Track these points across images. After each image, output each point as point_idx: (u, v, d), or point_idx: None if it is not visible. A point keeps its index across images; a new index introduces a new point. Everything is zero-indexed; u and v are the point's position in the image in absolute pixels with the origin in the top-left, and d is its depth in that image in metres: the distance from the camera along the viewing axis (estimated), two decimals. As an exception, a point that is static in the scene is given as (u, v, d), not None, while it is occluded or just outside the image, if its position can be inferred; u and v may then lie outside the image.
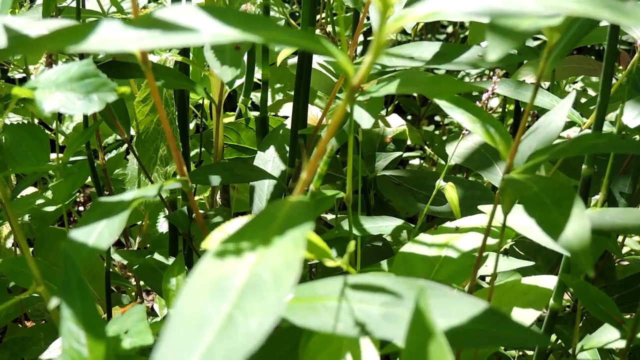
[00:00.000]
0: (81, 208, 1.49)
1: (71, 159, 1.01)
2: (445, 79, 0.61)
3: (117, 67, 0.69)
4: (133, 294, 1.10)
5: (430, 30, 2.11)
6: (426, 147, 1.18)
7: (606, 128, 0.76)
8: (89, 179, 0.85)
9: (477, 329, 0.39)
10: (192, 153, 1.06)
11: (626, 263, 1.11)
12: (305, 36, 0.39)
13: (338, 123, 0.40)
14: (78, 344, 0.41)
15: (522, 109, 1.14)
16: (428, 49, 0.63)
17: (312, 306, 0.43)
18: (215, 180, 0.72)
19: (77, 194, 1.38)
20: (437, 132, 1.52)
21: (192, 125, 1.28)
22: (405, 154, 1.29)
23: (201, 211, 0.94)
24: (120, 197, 0.51)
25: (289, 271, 0.33)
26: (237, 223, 0.50)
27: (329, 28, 1.06)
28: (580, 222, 0.45)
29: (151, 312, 1.03)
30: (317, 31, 1.03)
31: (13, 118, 1.19)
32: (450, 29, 2.14)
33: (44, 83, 0.51)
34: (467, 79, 1.57)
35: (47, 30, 0.36)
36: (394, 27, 0.37)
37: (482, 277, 0.89)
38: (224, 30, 0.36)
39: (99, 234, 0.48)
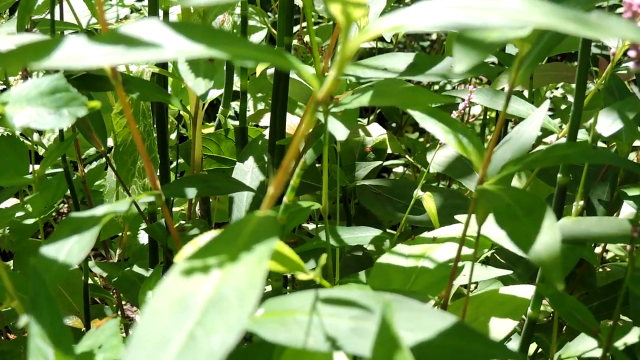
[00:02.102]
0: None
1: (51, 171, 1.01)
2: (420, 91, 0.61)
3: (91, 79, 0.69)
4: (115, 305, 1.10)
5: (414, 37, 2.11)
6: (407, 156, 1.18)
7: (583, 136, 0.77)
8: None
9: (446, 344, 0.39)
10: (174, 164, 1.06)
11: (609, 269, 1.12)
12: (271, 51, 0.39)
13: (302, 136, 0.40)
14: (43, 357, 0.41)
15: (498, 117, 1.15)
16: (401, 60, 0.63)
17: (283, 320, 0.43)
18: (192, 192, 0.72)
19: (61, 205, 1.37)
20: (421, 140, 1.52)
21: (174, 136, 1.28)
22: (389, 162, 1.29)
23: (182, 222, 0.94)
24: (92, 212, 0.51)
25: (252, 288, 0.33)
26: (209, 236, 0.50)
27: (307, 38, 1.06)
28: (551, 234, 0.46)
29: (133, 324, 1.02)
30: (295, 41, 1.03)
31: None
32: (434, 36, 2.14)
33: (15, 97, 0.51)
34: (449, 87, 1.57)
35: (15, 46, 0.36)
36: (358, 42, 0.37)
37: (464, 287, 0.89)
38: (189, 46, 0.36)
39: (69, 250, 0.48)
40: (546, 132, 0.90)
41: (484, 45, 0.40)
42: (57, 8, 0.81)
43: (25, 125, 0.49)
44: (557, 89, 1.47)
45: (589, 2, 0.45)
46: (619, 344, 0.63)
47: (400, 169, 1.44)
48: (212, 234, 0.50)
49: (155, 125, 0.87)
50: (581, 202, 0.73)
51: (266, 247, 0.36)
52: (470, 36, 0.41)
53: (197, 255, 0.36)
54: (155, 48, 0.36)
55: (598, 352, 0.64)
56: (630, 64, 0.46)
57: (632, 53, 0.45)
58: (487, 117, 1.30)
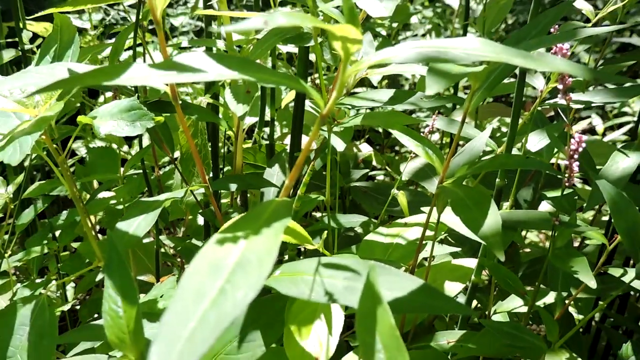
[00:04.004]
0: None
1: (136, 172, 0.98)
2: (398, 114, 0.57)
3: (162, 104, 0.66)
4: (178, 267, 1.07)
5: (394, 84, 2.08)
6: (387, 167, 1.15)
7: (514, 152, 0.73)
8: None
9: (415, 300, 0.36)
10: (224, 169, 1.03)
11: (528, 250, 1.08)
12: (288, 77, 0.35)
13: (311, 142, 0.36)
14: (116, 306, 0.38)
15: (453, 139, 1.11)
16: (385, 94, 0.60)
17: (294, 279, 0.40)
18: (233, 187, 0.68)
19: (141, 196, 1.34)
20: (396, 157, 1.49)
21: (225, 149, 1.24)
22: (373, 172, 1.26)
23: (230, 210, 0.91)
24: (156, 198, 0.47)
25: (270, 255, 0.29)
26: (239, 216, 0.47)
27: (318, 81, 1.03)
28: (494, 219, 0.42)
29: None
30: (309, 84, 1.00)
31: (99, 143, 1.16)
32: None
33: (102, 113, 0.48)
34: (421, 114, 1.53)
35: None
36: (354, 69, 0.34)
37: (425, 259, 0.86)
38: (226, 71, 0.33)
39: (137, 225, 0.45)
40: (485, 153, 0.88)
41: (449, 76, 0.37)
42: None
43: (108, 133, 0.45)
44: (492, 122, 1.43)
45: (532, 48, 0.41)
46: (540, 303, 0.60)
47: (381, 177, 1.42)
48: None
49: (209, 141, 0.84)
50: (511, 202, 0.70)
51: (281, 224, 0.32)
52: (438, 68, 0.37)
53: (229, 229, 0.32)
54: (200, 72, 0.32)
55: (524, 309, 0.60)
56: (559, 95, 0.42)
57: (560, 86, 0.41)
58: (443, 142, 1.27)
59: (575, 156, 0.43)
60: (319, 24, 0.29)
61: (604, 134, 1.52)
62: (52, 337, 0.48)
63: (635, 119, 1.51)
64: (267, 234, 0.31)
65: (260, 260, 0.29)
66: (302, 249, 0.88)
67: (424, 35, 1.38)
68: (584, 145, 0.43)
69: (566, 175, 0.45)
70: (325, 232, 0.47)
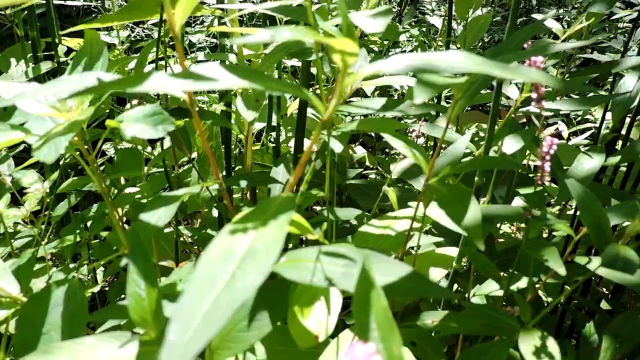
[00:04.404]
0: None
1: (158, 170, 0.97)
2: (389, 121, 0.56)
3: (182, 111, 0.65)
4: (195, 254, 1.06)
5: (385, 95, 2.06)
6: (379, 167, 1.14)
7: (492, 154, 0.73)
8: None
9: (404, 285, 0.35)
10: (236, 168, 1.02)
11: (502, 240, 1.08)
12: (293, 86, 0.34)
13: (313, 143, 0.35)
14: (139, 289, 0.37)
15: (437, 142, 1.11)
16: (378, 103, 0.59)
17: (297, 266, 0.39)
18: (244, 183, 0.68)
19: (162, 191, 1.33)
20: (386, 159, 1.48)
21: (237, 151, 1.24)
22: (366, 171, 1.25)
23: (241, 204, 0.90)
24: (174, 192, 0.46)
25: (276, 244, 0.29)
26: (248, 210, 0.46)
27: (319, 92, 1.03)
28: (475, 213, 0.41)
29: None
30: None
31: (125, 145, 1.15)
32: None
33: (127, 117, 0.47)
34: (409, 121, 1.53)
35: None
36: (351, 80, 0.33)
37: (413, 248, 0.85)
38: (237, 80, 0.32)
39: (158, 217, 0.44)
40: (465, 154, 0.87)
41: (434, 86, 0.36)
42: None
43: (133, 135, 0.44)
44: (471, 127, 1.42)
45: (509, 61, 0.40)
46: (513, 287, 0.59)
47: (373, 175, 1.41)
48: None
49: (223, 143, 0.83)
50: (488, 198, 0.69)
51: (286, 217, 0.32)
52: (425, 79, 0.37)
53: (239, 221, 0.32)
54: (214, 81, 0.32)
55: (500, 293, 0.60)
56: (532, 104, 0.41)
57: (533, 95, 0.41)
58: (428, 145, 1.26)
59: (547, 157, 0.42)
60: (320, 39, 0.28)
61: (568, 139, 1.51)
62: (83, 316, 0.47)
63: (597, 125, 1.51)
64: (274, 226, 0.31)
65: (267, 249, 0.29)
66: (304, 239, 0.87)
67: (411, 51, 1.38)
68: (555, 147, 0.42)
69: (539, 174, 0.44)
70: (325, 223, 0.46)
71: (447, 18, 0.91)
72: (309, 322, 0.43)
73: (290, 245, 0.70)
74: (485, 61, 0.31)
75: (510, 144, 0.59)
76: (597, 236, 0.43)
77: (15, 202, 0.85)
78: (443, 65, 0.31)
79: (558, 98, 0.81)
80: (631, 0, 1.98)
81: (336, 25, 0.55)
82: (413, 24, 1.60)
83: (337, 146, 0.57)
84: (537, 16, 0.76)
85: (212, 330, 0.24)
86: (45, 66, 0.88)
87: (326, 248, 0.40)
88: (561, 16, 2.12)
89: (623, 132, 0.80)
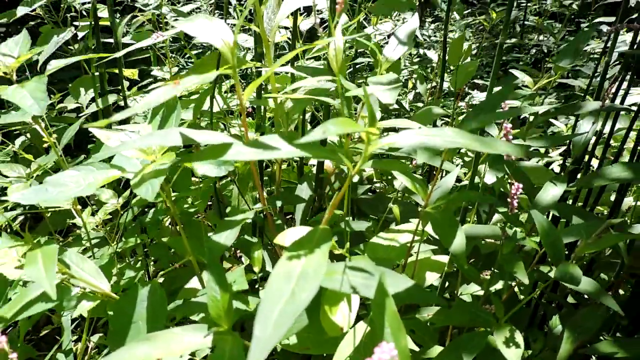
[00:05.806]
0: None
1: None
2: (396, 162, 0.64)
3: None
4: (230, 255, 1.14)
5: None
6: (383, 181, 1.22)
7: (477, 180, 0.80)
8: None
9: (407, 294, 0.43)
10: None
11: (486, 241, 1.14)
12: (330, 152, 0.42)
13: (339, 199, 0.44)
14: (215, 293, 0.45)
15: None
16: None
17: (330, 278, 0.46)
18: (279, 203, 0.76)
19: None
20: (389, 177, 1.54)
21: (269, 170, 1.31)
22: (373, 184, 1.32)
23: (275, 217, 0.97)
24: (234, 218, 0.55)
25: (320, 268, 0.37)
26: (290, 231, 0.54)
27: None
28: (460, 239, 0.49)
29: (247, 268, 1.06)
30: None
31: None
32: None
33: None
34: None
35: (202, 141, 0.40)
36: (372, 147, 0.41)
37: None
38: (291, 149, 0.40)
39: (226, 237, 0.52)
40: (458, 180, 0.94)
41: (433, 151, 0.44)
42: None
43: (203, 173, 0.53)
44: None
45: (487, 121, 0.48)
46: (492, 288, 0.67)
47: (379, 184, 1.47)
48: (292, 229, 0.54)
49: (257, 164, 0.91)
50: (473, 215, 0.76)
51: (326, 245, 0.39)
52: (428, 147, 0.45)
53: (293, 248, 0.40)
54: (276, 150, 0.40)
55: (481, 292, 0.67)
56: (505, 156, 0.49)
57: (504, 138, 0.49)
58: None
59: (515, 197, 0.50)
60: (357, 129, 0.36)
61: (546, 152, 1.58)
62: (163, 309, 0.56)
63: (567, 141, 1.57)
64: (318, 253, 0.39)
65: (315, 272, 0.37)
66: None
67: (413, 85, 1.44)
68: (520, 191, 0.50)
69: (509, 207, 0.52)
70: (347, 244, 0.55)
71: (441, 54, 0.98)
72: (336, 317, 0.51)
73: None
74: (469, 136, 0.40)
75: (490, 177, 0.67)
76: (553, 256, 0.51)
77: (83, 205, 0.93)
78: (439, 141, 0.39)
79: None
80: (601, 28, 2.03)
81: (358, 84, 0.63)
82: (414, 60, 1.66)
83: (355, 177, 0.65)
84: (514, 71, 0.83)
85: (281, 332, 0.32)
86: (112, 99, 0.96)
87: (350, 263, 0.48)
88: (540, 42, 2.18)
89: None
